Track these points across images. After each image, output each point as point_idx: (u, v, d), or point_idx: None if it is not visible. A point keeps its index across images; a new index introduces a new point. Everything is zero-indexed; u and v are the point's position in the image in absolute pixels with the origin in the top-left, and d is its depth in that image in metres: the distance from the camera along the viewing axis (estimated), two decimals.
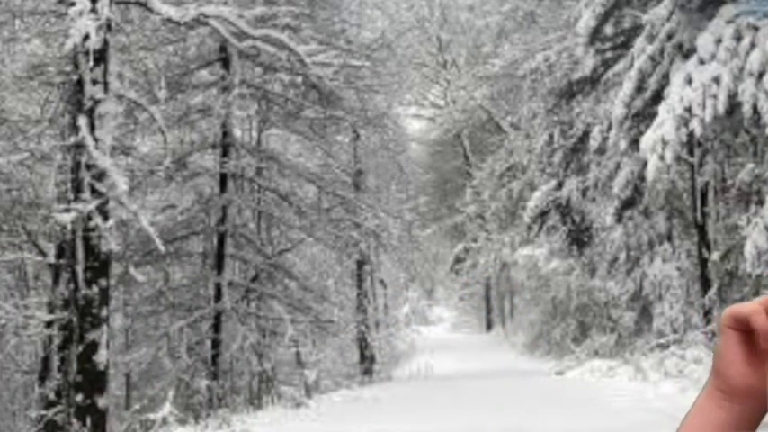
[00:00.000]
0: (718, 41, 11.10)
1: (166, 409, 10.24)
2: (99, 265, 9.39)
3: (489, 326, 32.20)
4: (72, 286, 9.48)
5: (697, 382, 10.94)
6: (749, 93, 10.69)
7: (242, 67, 12.39)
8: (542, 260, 19.41)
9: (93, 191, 9.18)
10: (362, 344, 18.09)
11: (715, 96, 10.95)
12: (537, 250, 19.93)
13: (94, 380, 9.24)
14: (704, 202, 14.07)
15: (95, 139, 9.27)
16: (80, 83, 9.44)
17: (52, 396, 9.89)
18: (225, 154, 12.88)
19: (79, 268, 9.34)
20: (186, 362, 12.33)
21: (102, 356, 9.30)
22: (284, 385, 13.08)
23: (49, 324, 10.17)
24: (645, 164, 11.72)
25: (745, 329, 0.59)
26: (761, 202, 12.50)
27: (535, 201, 17.83)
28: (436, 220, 31.68)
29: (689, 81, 11.15)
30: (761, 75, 10.71)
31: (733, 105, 10.99)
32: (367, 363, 18.03)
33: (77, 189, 9.24)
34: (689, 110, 11.03)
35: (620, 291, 15.95)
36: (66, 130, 9.77)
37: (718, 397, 0.61)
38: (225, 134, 12.85)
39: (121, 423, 12.06)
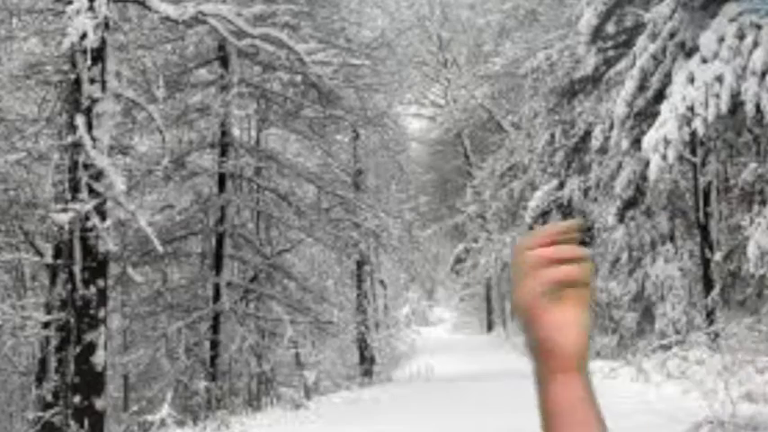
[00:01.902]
0: (721, 40, 11.01)
1: (165, 410, 10.16)
2: (97, 266, 9.33)
3: (490, 327, 32.10)
4: (69, 287, 9.42)
5: (700, 384, 10.86)
6: (752, 92, 10.61)
7: (241, 66, 12.32)
8: None
9: (91, 190, 9.12)
10: (362, 345, 18.01)
11: (718, 95, 10.86)
12: None
13: (92, 381, 9.17)
14: (707, 202, 14.00)
15: (93, 139, 9.21)
16: (77, 82, 9.38)
17: (50, 397, 9.82)
18: (223, 153, 12.81)
19: (77, 269, 9.28)
20: (184, 363, 12.25)
21: (99, 357, 9.22)
22: (283, 387, 13.01)
23: (46, 325, 10.10)
24: (647, 163, 11.63)
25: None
26: (764, 202, 12.42)
27: (536, 200, 17.76)
28: (436, 221, 31.61)
29: (691, 80, 11.06)
30: (764, 73, 10.63)
31: (736, 104, 10.91)
32: (367, 364, 17.95)
33: (75, 189, 9.18)
34: (691, 109, 10.94)
35: (621, 291, 15.87)
36: (64, 130, 9.71)
37: (564, 380, 0.59)
38: (223, 133, 12.78)
39: (119, 425, 11.99)
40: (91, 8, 9.03)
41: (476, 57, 27.80)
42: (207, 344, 12.64)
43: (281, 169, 13.50)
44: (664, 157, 11.04)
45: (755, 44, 10.78)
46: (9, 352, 11.44)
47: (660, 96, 11.78)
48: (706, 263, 14.01)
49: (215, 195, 12.92)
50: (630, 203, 14.55)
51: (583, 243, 0.67)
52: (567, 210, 17.12)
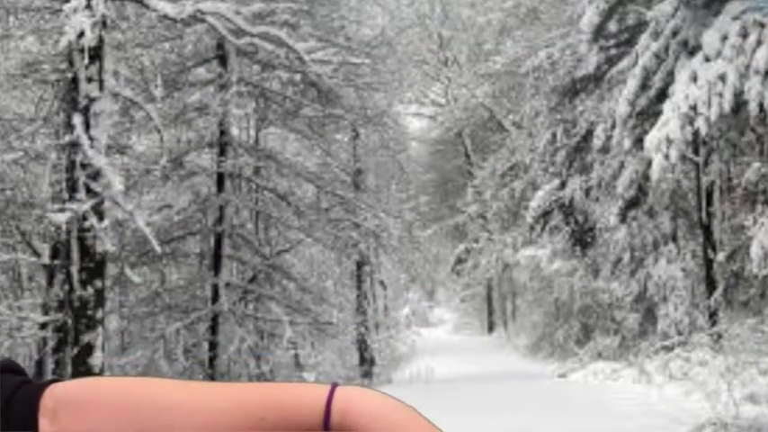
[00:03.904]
0: (724, 38, 10.93)
1: None
2: (94, 266, 9.26)
3: (491, 328, 32.01)
4: (67, 287, 9.35)
5: (702, 385, 10.78)
6: (755, 91, 10.52)
7: (240, 65, 12.23)
8: (545, 261, 19.21)
9: (89, 190, 9.05)
10: (362, 346, 17.92)
11: (720, 94, 10.78)
12: (539, 251, 19.73)
13: None
14: (710, 202, 13.92)
15: (90, 138, 9.14)
16: (75, 80, 9.32)
17: None
18: (222, 153, 12.72)
19: (74, 269, 9.21)
20: (183, 364, 12.16)
21: (97, 359, 9.14)
22: None
23: (43, 326, 10.01)
24: (649, 163, 11.56)
25: None
26: (767, 202, 12.33)
27: (538, 200, 17.66)
28: (437, 221, 31.51)
29: (694, 79, 10.98)
30: (767, 72, 10.54)
31: (739, 103, 10.83)
32: (367, 365, 17.86)
33: (72, 189, 9.11)
34: (694, 108, 10.86)
35: (623, 292, 15.78)
36: (61, 129, 9.64)
37: None
38: (222, 133, 12.68)
39: None
40: (88, 6, 8.95)
41: (476, 55, 27.69)
42: (205, 345, 12.56)
43: (280, 169, 13.41)
44: (666, 157, 10.96)
45: (759, 42, 10.70)
46: (6, 353, 11.35)
47: (663, 95, 11.70)
48: (709, 263, 13.93)
49: (213, 195, 12.83)
50: (632, 203, 14.47)
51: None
52: (568, 210, 17.03)
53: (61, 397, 0.62)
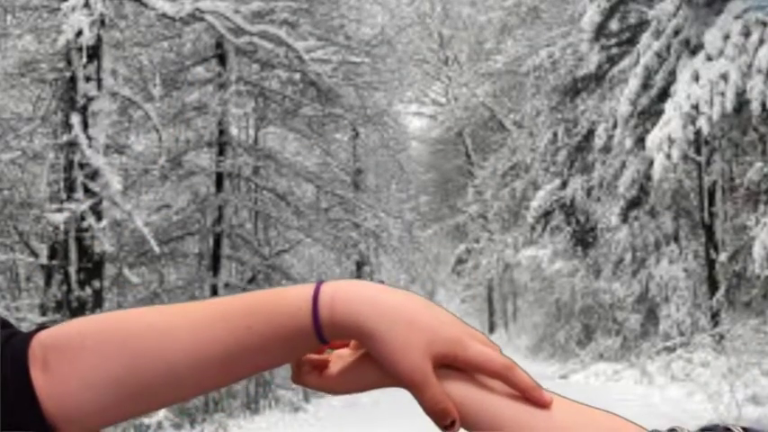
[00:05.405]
0: (726, 37, 10.87)
1: (161, 413, 10.02)
2: (92, 267, 9.23)
3: (492, 328, 31.96)
4: (65, 288, 9.33)
5: (704, 386, 10.72)
6: (758, 90, 10.46)
7: (239, 64, 12.20)
8: (546, 261, 19.14)
9: (87, 190, 9.03)
10: None
11: (723, 93, 10.72)
12: (540, 251, 19.67)
13: None
14: (712, 202, 13.87)
15: (89, 138, 9.11)
16: (73, 80, 9.30)
17: None
18: (221, 152, 12.67)
19: (72, 269, 9.19)
20: None
21: None
22: (282, 389, 12.87)
23: (41, 327, 9.97)
24: (651, 162, 11.50)
25: None
26: None
27: (539, 200, 17.60)
28: (437, 221, 31.47)
29: (696, 78, 10.92)
30: None
31: (741, 102, 10.77)
32: None
33: (70, 188, 9.10)
34: (696, 107, 10.80)
35: (625, 292, 15.73)
36: (59, 128, 9.62)
37: None
38: (221, 132, 12.64)
39: (116, 428, 11.84)
40: (86, 5, 8.93)
41: (477, 54, 27.63)
42: None
43: (279, 168, 13.37)
44: (668, 157, 10.89)
45: (761, 41, 10.63)
46: None
47: (664, 95, 11.64)
48: (711, 263, 13.87)
49: (212, 195, 12.78)
50: (634, 203, 14.40)
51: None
52: (569, 210, 16.97)
53: (49, 342, 0.60)
